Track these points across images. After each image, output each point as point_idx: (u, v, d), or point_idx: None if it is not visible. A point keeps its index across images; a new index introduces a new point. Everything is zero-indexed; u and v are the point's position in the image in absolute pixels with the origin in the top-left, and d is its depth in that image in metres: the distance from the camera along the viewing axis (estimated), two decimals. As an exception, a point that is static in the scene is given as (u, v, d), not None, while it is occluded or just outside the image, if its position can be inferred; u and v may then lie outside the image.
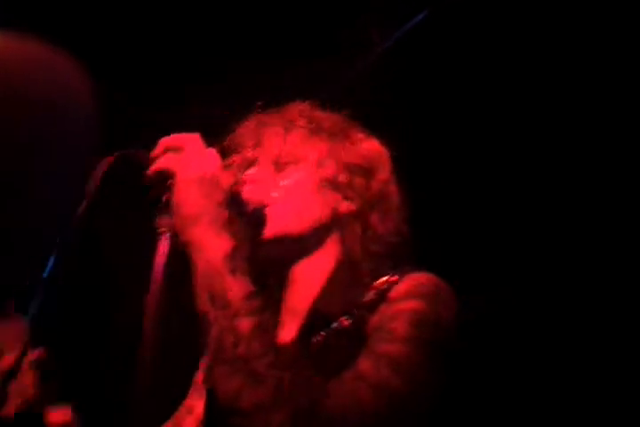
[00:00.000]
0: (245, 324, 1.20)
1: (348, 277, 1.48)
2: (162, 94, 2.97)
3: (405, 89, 2.92)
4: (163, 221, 1.34)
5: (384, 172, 1.56)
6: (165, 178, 1.31)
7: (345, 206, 1.50)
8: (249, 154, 1.52)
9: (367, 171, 1.53)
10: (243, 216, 1.42)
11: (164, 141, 1.34)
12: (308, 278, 1.49)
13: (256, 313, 1.21)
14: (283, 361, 1.18)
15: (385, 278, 1.40)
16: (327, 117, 1.57)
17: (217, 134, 1.56)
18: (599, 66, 2.50)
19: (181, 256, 1.30)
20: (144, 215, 1.37)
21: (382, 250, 1.51)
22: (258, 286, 1.27)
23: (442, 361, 1.31)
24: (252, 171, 1.49)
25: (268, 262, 1.49)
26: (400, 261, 1.49)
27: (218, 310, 1.21)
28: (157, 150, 1.34)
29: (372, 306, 1.35)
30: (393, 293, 1.35)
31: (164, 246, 1.32)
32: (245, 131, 1.56)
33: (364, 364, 1.23)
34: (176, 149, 1.32)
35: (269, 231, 1.44)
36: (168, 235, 1.33)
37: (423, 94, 2.89)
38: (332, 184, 1.50)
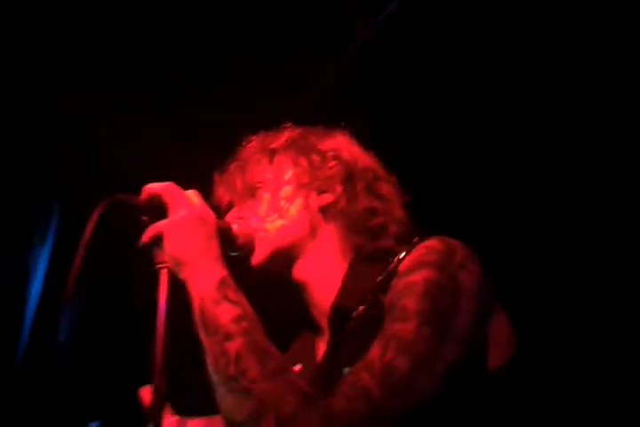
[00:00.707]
0: (234, 345, 1.23)
1: (359, 265, 1.49)
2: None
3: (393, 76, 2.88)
4: (159, 258, 1.39)
5: (346, 153, 1.60)
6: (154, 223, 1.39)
7: (320, 200, 1.55)
8: (225, 201, 1.61)
9: (328, 160, 1.58)
10: (236, 251, 1.51)
11: (147, 189, 1.40)
12: (322, 277, 1.51)
13: (245, 334, 1.24)
14: (268, 373, 1.20)
15: (395, 257, 1.36)
16: (277, 137, 1.64)
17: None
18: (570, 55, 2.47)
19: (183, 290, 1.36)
20: (139, 256, 1.42)
21: (374, 224, 1.52)
22: (255, 307, 1.30)
23: (467, 331, 1.21)
24: (232, 213, 1.58)
25: (271, 277, 1.55)
26: (407, 236, 1.47)
27: (210, 337, 1.26)
28: (143, 197, 1.40)
29: (384, 286, 1.32)
30: (401, 266, 1.31)
31: (164, 282, 1.37)
32: (216, 188, 1.66)
33: (375, 349, 1.19)
34: (158, 197, 1.38)
35: (260, 254, 1.52)
36: (166, 271, 1.38)
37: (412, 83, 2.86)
38: (299, 186, 1.55)
